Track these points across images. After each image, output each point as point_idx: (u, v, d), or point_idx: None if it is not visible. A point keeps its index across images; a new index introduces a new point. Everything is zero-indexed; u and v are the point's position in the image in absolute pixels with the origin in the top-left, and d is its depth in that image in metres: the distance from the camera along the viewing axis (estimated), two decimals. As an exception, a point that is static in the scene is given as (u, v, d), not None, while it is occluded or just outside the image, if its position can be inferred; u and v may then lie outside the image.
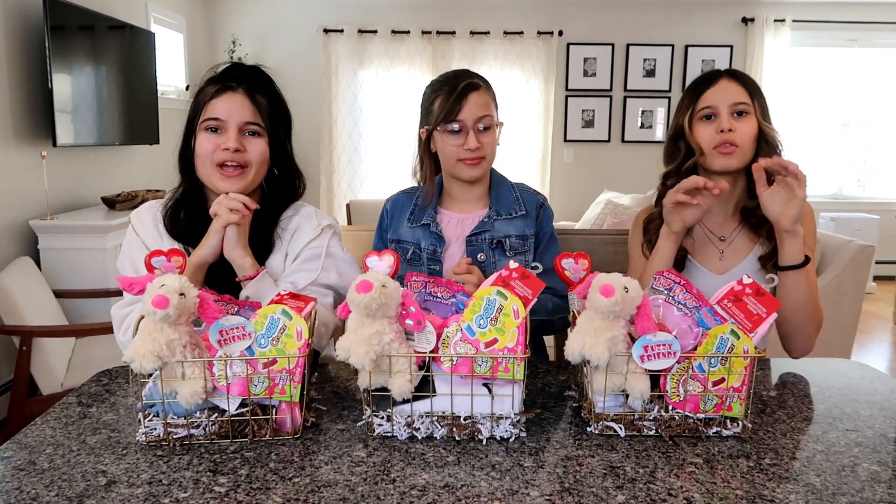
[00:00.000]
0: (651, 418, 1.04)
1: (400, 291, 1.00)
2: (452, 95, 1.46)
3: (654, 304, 1.08)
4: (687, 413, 1.03)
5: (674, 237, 1.41)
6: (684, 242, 1.49)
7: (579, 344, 1.00)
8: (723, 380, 1.02)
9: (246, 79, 1.34)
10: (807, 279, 1.35)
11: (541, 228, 1.58)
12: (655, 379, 1.04)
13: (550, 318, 1.50)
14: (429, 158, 1.59)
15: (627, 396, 1.04)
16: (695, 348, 1.02)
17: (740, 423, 1.04)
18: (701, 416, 1.04)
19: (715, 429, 1.03)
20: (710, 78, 1.48)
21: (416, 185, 1.67)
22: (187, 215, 1.38)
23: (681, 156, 1.50)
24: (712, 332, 1.01)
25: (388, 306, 0.98)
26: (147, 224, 1.40)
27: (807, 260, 1.35)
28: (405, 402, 1.02)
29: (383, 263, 1.08)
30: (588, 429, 1.05)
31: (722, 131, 1.41)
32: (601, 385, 1.03)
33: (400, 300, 1.00)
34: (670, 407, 1.04)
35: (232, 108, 1.30)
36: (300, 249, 1.39)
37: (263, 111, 1.33)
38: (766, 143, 1.43)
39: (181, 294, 0.94)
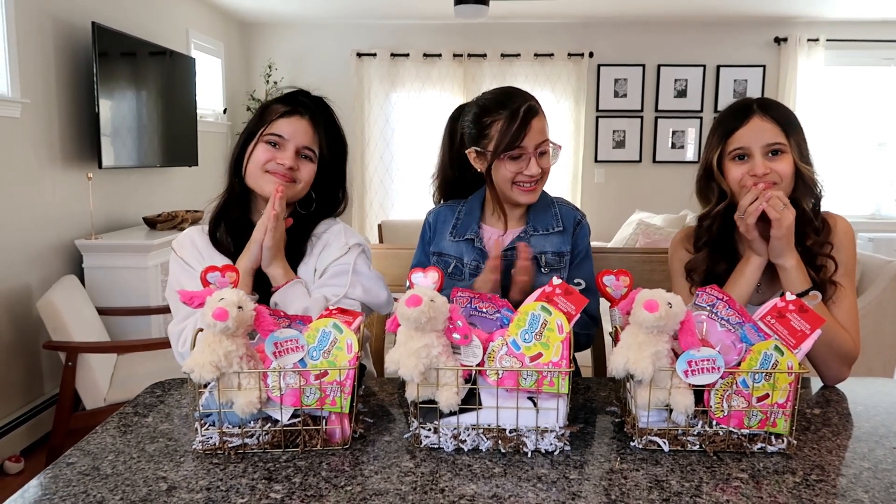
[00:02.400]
0: (695, 433, 1.04)
1: (447, 306, 1.03)
2: (515, 122, 1.44)
3: (697, 321, 1.09)
4: (731, 428, 1.04)
5: (759, 261, 1.39)
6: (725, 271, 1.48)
7: (623, 359, 1.02)
8: (767, 395, 1.02)
9: (313, 108, 1.45)
10: (818, 309, 1.29)
11: (576, 245, 1.59)
12: (699, 394, 1.04)
13: (578, 332, 1.51)
14: (456, 167, 1.62)
15: (671, 411, 1.05)
16: (738, 364, 1.03)
17: (785, 439, 1.04)
18: (745, 431, 1.04)
19: (760, 444, 1.04)
20: (741, 115, 1.42)
21: (434, 189, 1.71)
22: (230, 220, 1.47)
23: (715, 196, 1.48)
24: (756, 348, 1.02)
25: (437, 320, 1.01)
26: (187, 247, 1.48)
27: (805, 292, 1.32)
28: (452, 414, 1.04)
29: (428, 279, 1.11)
30: (632, 443, 1.06)
31: (755, 175, 1.38)
32: (645, 400, 1.04)
33: (447, 314, 1.02)
34: (714, 422, 1.04)
35: (296, 130, 1.41)
36: (327, 265, 1.46)
37: (321, 139, 1.45)
38: (802, 183, 1.40)
39: (239, 307, 0.98)
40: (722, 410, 1.04)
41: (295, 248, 1.46)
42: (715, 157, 1.44)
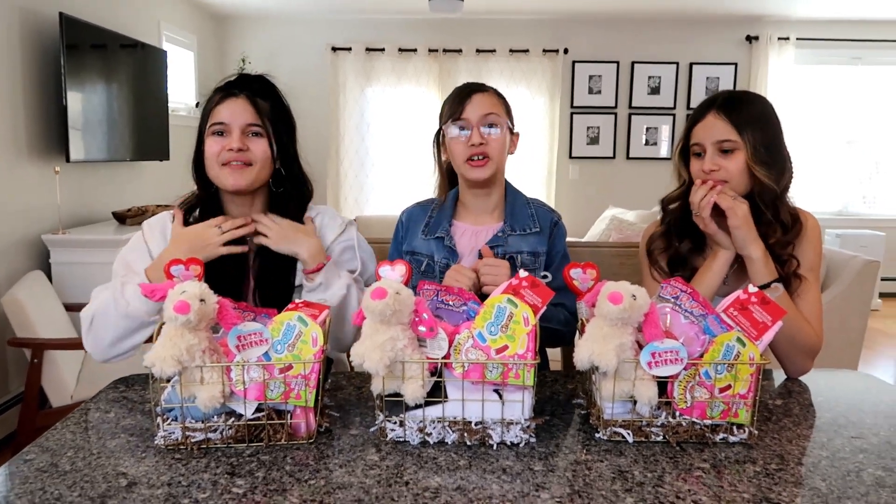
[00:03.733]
0: (659, 424, 1.06)
1: (413, 299, 1.02)
2: (458, 95, 1.54)
3: (661, 312, 1.10)
4: (694, 419, 1.05)
5: (727, 255, 1.41)
6: (697, 263, 1.50)
7: (588, 351, 1.02)
8: (729, 386, 1.04)
9: (249, 86, 1.43)
10: (783, 303, 1.33)
11: (553, 246, 1.59)
12: (663, 385, 1.06)
13: (562, 329, 1.52)
14: (442, 171, 1.63)
15: (635, 403, 1.06)
16: (701, 355, 1.04)
17: (746, 429, 1.05)
18: (708, 422, 1.05)
19: (722, 435, 1.05)
20: (702, 111, 1.45)
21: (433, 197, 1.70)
22: (200, 219, 1.44)
23: (679, 183, 1.52)
24: (718, 340, 1.03)
25: (402, 313, 1.00)
26: (156, 234, 1.46)
27: (774, 281, 1.34)
28: (417, 407, 1.04)
29: (395, 273, 1.11)
30: (597, 435, 1.07)
31: (703, 171, 1.41)
32: (609, 392, 1.05)
33: (413, 307, 1.02)
34: (677, 413, 1.06)
35: (234, 111, 1.39)
36: (329, 244, 1.49)
37: (264, 113, 1.41)
38: (758, 183, 1.40)
39: (201, 300, 0.97)
40: (685, 401, 1.05)
41: None
42: (679, 148, 1.49)
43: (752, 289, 1.09)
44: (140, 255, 1.43)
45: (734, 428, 1.06)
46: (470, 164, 1.50)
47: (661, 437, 1.05)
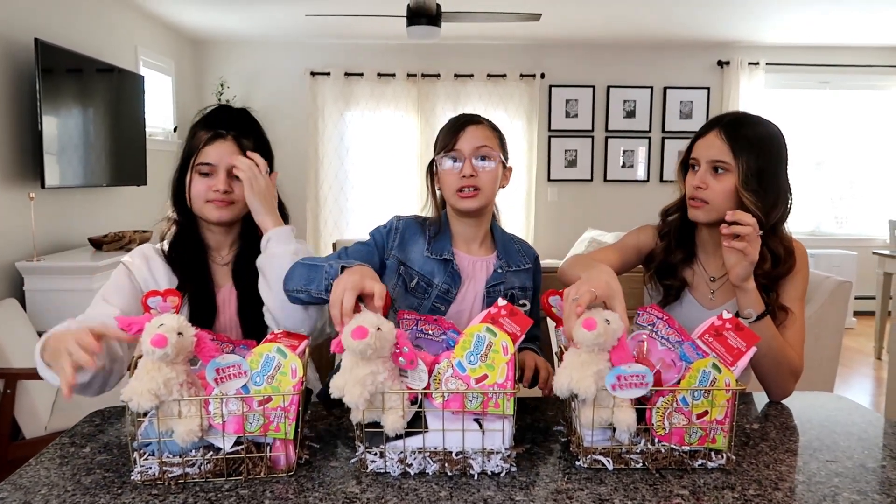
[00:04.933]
0: (638, 451, 1.06)
1: (394, 332, 1.02)
2: (452, 127, 1.53)
3: (637, 339, 1.12)
4: (673, 446, 1.06)
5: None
6: (686, 275, 1.54)
7: (567, 378, 1.03)
8: (706, 412, 1.05)
9: (234, 125, 1.46)
10: (770, 333, 1.34)
11: (535, 280, 1.61)
12: (641, 412, 1.07)
13: None
14: (436, 202, 1.62)
15: (615, 430, 1.06)
16: (678, 382, 1.06)
17: (724, 455, 1.06)
18: (686, 448, 1.06)
19: (700, 461, 1.06)
20: (707, 127, 1.47)
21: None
22: (187, 249, 1.48)
23: (680, 195, 1.55)
24: (694, 366, 1.04)
25: (384, 349, 1.00)
26: (141, 266, 1.46)
27: (762, 315, 1.34)
28: (398, 437, 1.04)
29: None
30: (577, 463, 1.07)
31: (693, 186, 1.44)
32: (589, 419, 1.05)
33: (394, 340, 1.02)
34: (656, 440, 1.07)
35: (222, 153, 1.43)
36: None
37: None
38: (742, 207, 1.40)
39: (179, 333, 0.97)
40: (663, 428, 1.06)
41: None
42: (681, 160, 1.52)
43: (726, 315, 1.10)
44: (117, 289, 1.42)
45: (712, 454, 1.07)
46: (460, 196, 1.49)
47: (641, 464, 1.06)
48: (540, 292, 1.60)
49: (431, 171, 1.59)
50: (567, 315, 1.08)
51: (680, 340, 1.10)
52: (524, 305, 1.49)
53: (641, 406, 1.06)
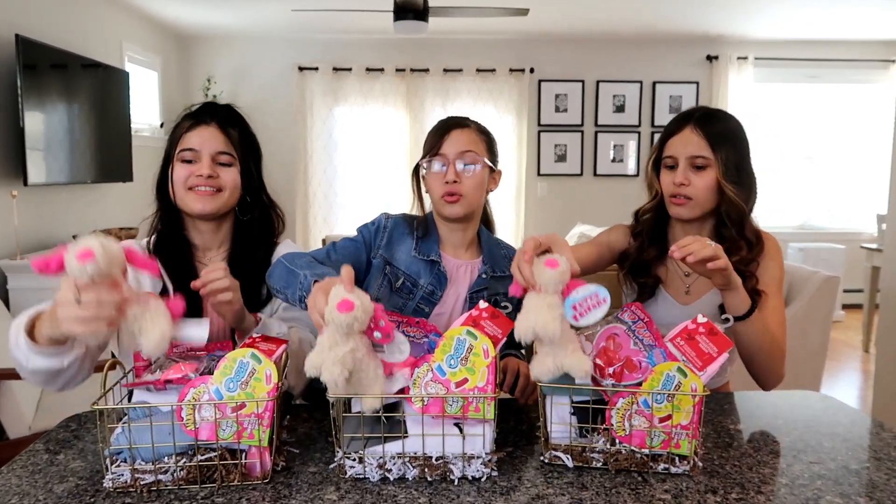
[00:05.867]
0: (598, 450, 1.05)
1: (373, 306, 0.99)
2: (438, 130, 1.51)
3: (611, 332, 1.10)
4: (633, 447, 1.04)
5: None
6: (659, 272, 1.54)
7: (530, 322, 1.00)
8: (669, 416, 1.03)
9: (219, 114, 1.43)
10: (760, 324, 1.33)
11: None
12: (601, 413, 1.05)
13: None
14: (422, 205, 1.60)
15: (580, 428, 1.05)
16: (640, 384, 1.04)
17: (690, 460, 1.04)
18: (646, 451, 1.04)
19: (663, 465, 1.04)
20: (679, 124, 1.47)
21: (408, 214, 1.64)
22: (171, 248, 1.42)
23: (652, 194, 1.55)
24: (657, 369, 1.02)
25: (365, 322, 0.98)
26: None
27: (751, 310, 1.32)
28: (376, 441, 1.02)
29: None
30: (541, 458, 1.07)
31: (675, 183, 1.44)
32: (552, 411, 1.05)
33: (372, 313, 0.99)
34: (617, 441, 1.05)
35: (205, 139, 1.38)
36: None
37: (234, 142, 1.42)
38: (726, 200, 1.42)
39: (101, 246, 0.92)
40: (623, 429, 1.04)
41: (255, 278, 1.41)
42: (652, 159, 1.52)
43: (700, 318, 1.08)
44: None
45: (676, 459, 1.04)
46: (444, 200, 1.48)
47: (602, 463, 1.04)
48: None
49: (418, 175, 1.58)
50: (517, 265, 1.06)
51: (653, 345, 1.08)
52: (506, 308, 1.47)
53: (602, 406, 1.04)
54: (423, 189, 1.57)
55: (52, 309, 1.01)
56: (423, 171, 1.54)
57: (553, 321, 0.99)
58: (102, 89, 4.16)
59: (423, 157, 1.51)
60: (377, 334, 0.99)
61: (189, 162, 1.38)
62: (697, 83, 6.05)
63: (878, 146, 6.07)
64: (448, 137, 1.48)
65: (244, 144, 1.44)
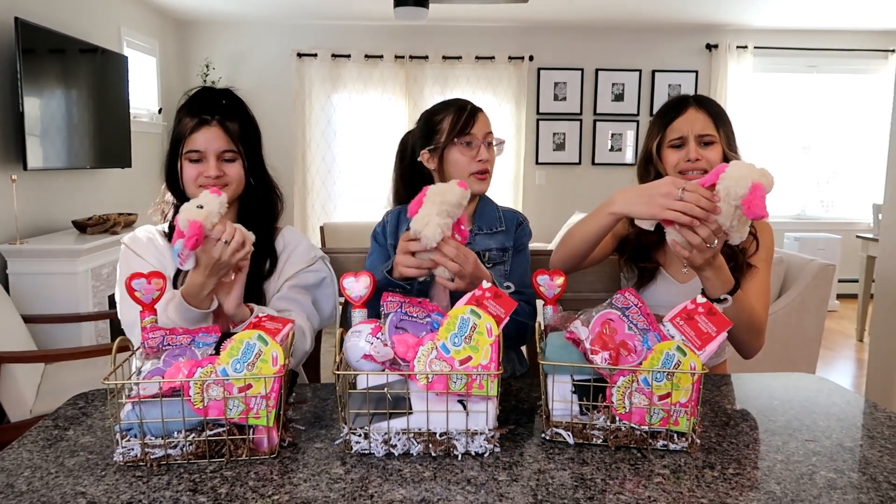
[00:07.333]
0: (598, 428, 1.07)
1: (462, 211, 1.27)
2: (464, 113, 1.59)
3: (606, 317, 1.12)
4: (633, 425, 1.07)
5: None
6: (657, 256, 1.60)
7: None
8: (669, 394, 1.05)
9: (218, 108, 1.45)
10: (739, 305, 1.35)
11: (516, 240, 1.66)
12: (602, 390, 1.07)
13: (528, 322, 1.54)
14: (405, 179, 1.67)
15: (581, 408, 1.08)
16: (640, 363, 1.06)
17: (688, 437, 1.07)
18: (646, 428, 1.07)
19: (662, 442, 1.07)
20: (678, 107, 1.55)
21: (390, 208, 1.71)
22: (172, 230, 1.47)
23: (650, 179, 1.56)
24: (657, 348, 1.04)
25: (460, 212, 1.25)
26: (142, 242, 1.51)
27: (733, 290, 1.33)
28: (381, 417, 1.04)
29: (360, 284, 1.11)
30: (542, 435, 1.09)
31: (689, 160, 1.51)
32: (554, 389, 1.08)
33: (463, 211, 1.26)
34: (617, 418, 1.07)
35: (209, 139, 1.44)
36: (292, 274, 1.52)
37: (236, 137, 1.46)
38: None
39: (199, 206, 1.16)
40: (624, 406, 1.07)
41: (258, 257, 1.45)
42: (654, 145, 1.57)
43: (700, 299, 1.11)
44: (141, 265, 1.45)
45: (675, 436, 1.07)
46: (475, 178, 1.59)
47: (602, 440, 1.07)
48: (522, 251, 1.68)
49: (412, 156, 1.61)
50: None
51: (647, 329, 1.10)
52: (508, 287, 1.50)
53: (603, 384, 1.07)
54: (429, 165, 1.62)
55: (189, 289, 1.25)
56: (449, 151, 1.58)
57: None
58: (101, 74, 4.15)
59: (449, 137, 1.57)
60: (457, 236, 1.26)
61: (196, 161, 1.44)
62: (697, 72, 6.06)
63: (875, 136, 6.10)
64: (477, 119, 1.60)
65: (245, 135, 1.48)
